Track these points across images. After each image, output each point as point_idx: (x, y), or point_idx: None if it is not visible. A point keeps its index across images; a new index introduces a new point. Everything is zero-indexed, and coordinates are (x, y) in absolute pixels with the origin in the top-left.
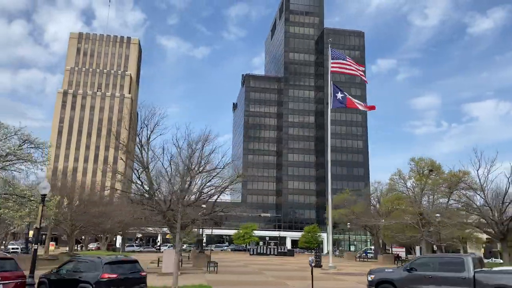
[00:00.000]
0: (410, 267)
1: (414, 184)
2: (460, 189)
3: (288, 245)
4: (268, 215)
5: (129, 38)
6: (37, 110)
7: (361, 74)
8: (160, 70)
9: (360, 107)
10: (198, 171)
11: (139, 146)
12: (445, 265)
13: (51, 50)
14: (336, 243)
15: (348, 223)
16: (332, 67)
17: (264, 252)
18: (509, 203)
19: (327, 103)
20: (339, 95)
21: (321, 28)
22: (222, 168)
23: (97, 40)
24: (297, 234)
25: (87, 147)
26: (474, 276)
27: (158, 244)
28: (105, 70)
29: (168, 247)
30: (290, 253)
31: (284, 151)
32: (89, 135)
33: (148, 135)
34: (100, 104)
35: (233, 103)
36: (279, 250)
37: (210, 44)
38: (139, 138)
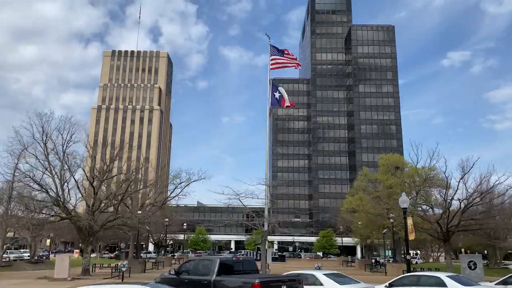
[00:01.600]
0: (179, 270)
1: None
2: (424, 187)
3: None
4: (299, 220)
5: (158, 52)
6: None
7: (294, 63)
8: (223, 80)
9: (288, 104)
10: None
11: None
12: (201, 267)
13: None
14: (370, 248)
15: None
16: (271, 64)
17: (255, 258)
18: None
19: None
20: (277, 94)
21: (349, 26)
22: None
23: (128, 56)
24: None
25: (120, 158)
26: (213, 280)
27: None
28: (135, 84)
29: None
30: (282, 259)
31: (314, 154)
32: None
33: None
34: (130, 117)
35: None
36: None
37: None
38: None
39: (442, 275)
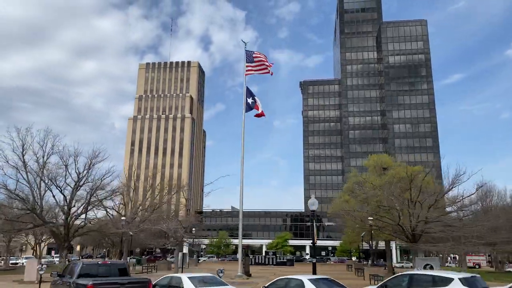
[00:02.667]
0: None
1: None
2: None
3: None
4: (333, 224)
5: (189, 62)
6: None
7: (266, 72)
8: (275, 83)
9: (259, 112)
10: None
11: None
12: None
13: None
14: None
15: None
16: (247, 70)
17: (262, 262)
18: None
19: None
20: (250, 100)
21: (379, 23)
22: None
23: (161, 68)
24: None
25: (155, 166)
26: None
27: None
28: (168, 94)
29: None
30: (290, 263)
31: (346, 156)
32: (156, 154)
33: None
34: (164, 125)
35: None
36: (278, 260)
37: (322, 51)
38: None
39: (304, 278)
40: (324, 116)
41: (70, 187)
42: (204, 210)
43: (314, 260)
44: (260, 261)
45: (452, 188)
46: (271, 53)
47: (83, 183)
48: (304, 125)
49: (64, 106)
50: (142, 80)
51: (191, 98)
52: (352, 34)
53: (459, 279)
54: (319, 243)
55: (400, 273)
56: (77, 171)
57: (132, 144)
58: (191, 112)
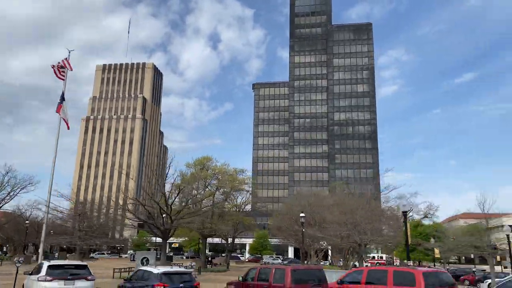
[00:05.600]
0: None
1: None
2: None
3: None
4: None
5: (144, 64)
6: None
7: (61, 77)
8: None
9: (62, 116)
10: None
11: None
12: None
13: (185, 77)
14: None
15: None
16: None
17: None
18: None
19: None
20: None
21: (328, 26)
22: None
23: (117, 69)
24: None
25: (104, 165)
26: None
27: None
28: (121, 95)
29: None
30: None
31: (290, 156)
32: (106, 154)
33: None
34: (115, 126)
35: None
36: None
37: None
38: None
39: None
40: (274, 117)
41: None
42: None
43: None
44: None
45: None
46: (279, 52)
47: None
48: (255, 126)
49: (72, 104)
50: (99, 82)
51: (144, 99)
52: (301, 38)
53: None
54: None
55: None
56: None
57: (84, 144)
58: (143, 113)
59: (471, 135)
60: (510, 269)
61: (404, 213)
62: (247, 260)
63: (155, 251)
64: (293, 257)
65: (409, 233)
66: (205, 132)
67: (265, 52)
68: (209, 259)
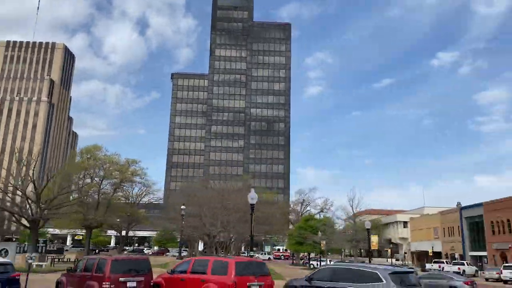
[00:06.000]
0: None
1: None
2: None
3: None
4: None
5: (54, 44)
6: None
7: None
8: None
9: None
10: None
11: None
12: None
13: (110, 62)
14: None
15: None
16: None
17: None
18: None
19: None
20: None
21: (250, 22)
22: None
23: (23, 47)
24: None
25: (2, 151)
26: None
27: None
28: (25, 76)
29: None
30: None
31: (207, 149)
32: (5, 138)
33: None
34: (17, 108)
35: None
36: None
37: None
38: None
39: None
40: (192, 109)
41: None
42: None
43: None
44: None
45: None
46: (208, 43)
47: None
48: (172, 117)
49: None
50: (0, 59)
51: (52, 81)
52: (223, 31)
53: None
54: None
55: None
56: None
57: None
58: (49, 96)
59: (386, 137)
60: (368, 260)
61: (252, 206)
62: (150, 253)
63: (15, 242)
64: (202, 249)
65: (253, 227)
66: (128, 121)
67: (195, 41)
68: (97, 251)
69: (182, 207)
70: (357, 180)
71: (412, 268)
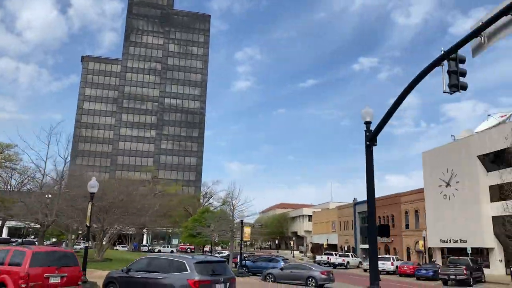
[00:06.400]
0: None
1: None
2: None
3: None
4: None
5: None
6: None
7: None
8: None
9: None
10: None
11: None
12: None
13: (24, 39)
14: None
15: None
16: None
17: None
18: None
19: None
20: None
21: (169, 10)
22: None
23: None
24: None
25: None
26: None
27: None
28: None
29: None
30: None
31: (116, 139)
32: None
33: None
34: None
35: None
36: None
37: None
38: None
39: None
40: (102, 95)
41: None
42: None
43: None
44: None
45: None
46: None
47: None
48: (80, 102)
49: None
50: None
51: None
52: (140, 16)
53: None
54: None
55: None
56: None
57: None
58: None
59: (309, 135)
60: (239, 251)
61: (92, 195)
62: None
63: None
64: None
65: (89, 215)
66: (42, 104)
67: (120, 26)
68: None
69: (49, 195)
70: (280, 175)
71: (225, 259)
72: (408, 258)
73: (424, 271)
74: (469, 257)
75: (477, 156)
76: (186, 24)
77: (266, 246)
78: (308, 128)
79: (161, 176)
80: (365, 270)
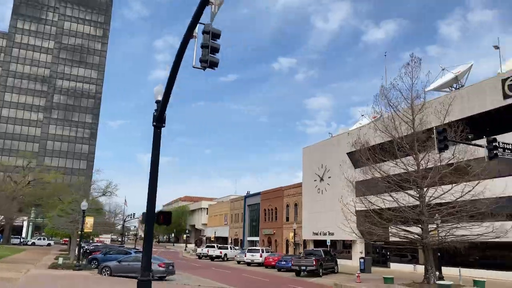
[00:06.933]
0: None
1: None
2: None
3: None
4: None
5: None
6: None
7: None
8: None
9: None
10: None
11: None
12: None
13: None
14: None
15: None
16: None
17: None
18: None
19: None
20: None
21: None
22: None
23: None
24: None
25: None
26: None
27: None
28: None
29: None
30: None
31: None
32: None
33: None
34: None
35: None
36: None
37: None
38: None
39: None
40: None
41: None
42: None
43: None
44: None
45: None
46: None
47: None
48: None
49: None
50: None
51: None
52: None
53: None
54: None
55: None
56: None
57: None
58: None
59: (227, 129)
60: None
61: None
62: None
63: None
64: None
65: None
66: None
67: None
68: None
69: None
70: (193, 168)
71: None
72: (287, 250)
73: (284, 263)
74: (323, 248)
75: (347, 153)
76: (81, 3)
77: (165, 240)
78: (227, 122)
79: (48, 163)
80: (238, 262)
